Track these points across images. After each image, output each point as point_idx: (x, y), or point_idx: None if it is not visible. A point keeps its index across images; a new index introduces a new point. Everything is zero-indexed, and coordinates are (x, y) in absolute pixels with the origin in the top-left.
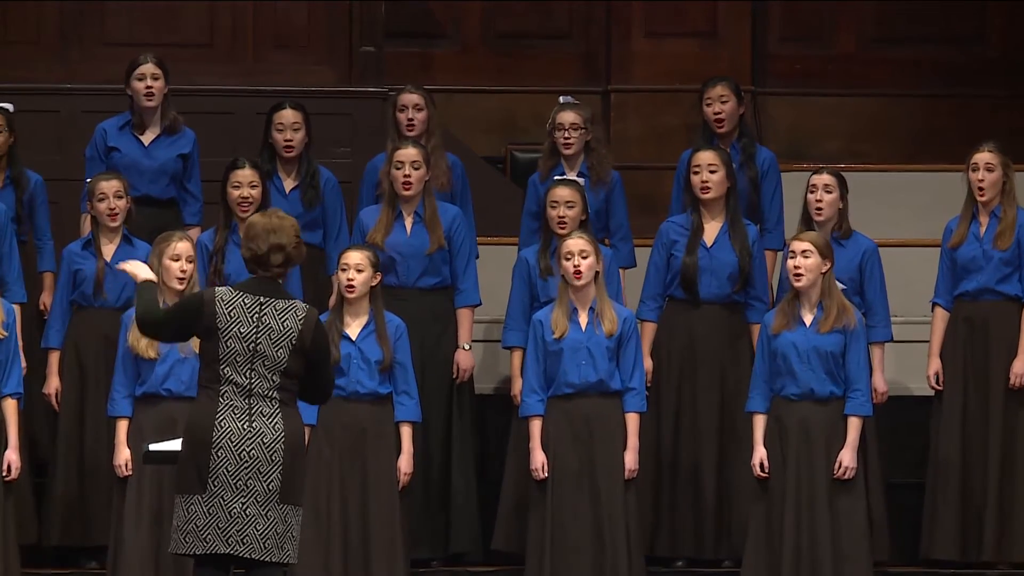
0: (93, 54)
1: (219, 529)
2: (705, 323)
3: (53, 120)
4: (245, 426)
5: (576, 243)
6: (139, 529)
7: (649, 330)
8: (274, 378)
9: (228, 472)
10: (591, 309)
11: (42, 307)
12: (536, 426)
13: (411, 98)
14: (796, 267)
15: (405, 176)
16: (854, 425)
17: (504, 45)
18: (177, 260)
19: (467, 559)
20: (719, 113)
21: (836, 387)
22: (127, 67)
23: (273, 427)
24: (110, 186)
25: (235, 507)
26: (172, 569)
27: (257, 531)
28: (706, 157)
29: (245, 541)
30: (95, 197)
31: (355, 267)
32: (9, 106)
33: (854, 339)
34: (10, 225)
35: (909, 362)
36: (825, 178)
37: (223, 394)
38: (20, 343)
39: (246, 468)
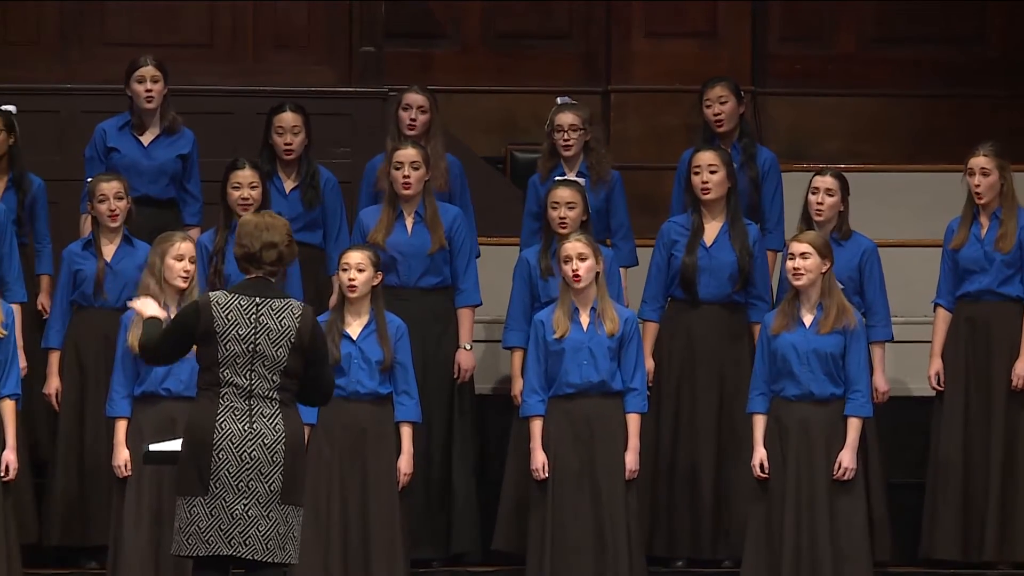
0: (93, 54)
1: (221, 531)
2: (704, 323)
3: (53, 120)
4: (246, 427)
5: (574, 247)
6: (139, 529)
7: (651, 330)
8: (274, 378)
9: (230, 474)
10: (592, 309)
11: (41, 309)
12: (537, 426)
13: (416, 99)
14: (795, 268)
15: (404, 176)
16: (854, 426)
17: (504, 45)
18: (181, 260)
19: (467, 559)
20: (719, 114)
21: (836, 388)
22: (127, 68)
23: (274, 428)
24: (110, 187)
25: (237, 508)
26: (172, 569)
27: (260, 532)
28: (706, 158)
29: (248, 542)
30: (95, 198)
31: (356, 267)
32: (12, 108)
33: (854, 340)
34: (10, 225)
35: (909, 362)
36: (828, 181)
37: (223, 396)
38: (20, 343)
39: (247, 469)
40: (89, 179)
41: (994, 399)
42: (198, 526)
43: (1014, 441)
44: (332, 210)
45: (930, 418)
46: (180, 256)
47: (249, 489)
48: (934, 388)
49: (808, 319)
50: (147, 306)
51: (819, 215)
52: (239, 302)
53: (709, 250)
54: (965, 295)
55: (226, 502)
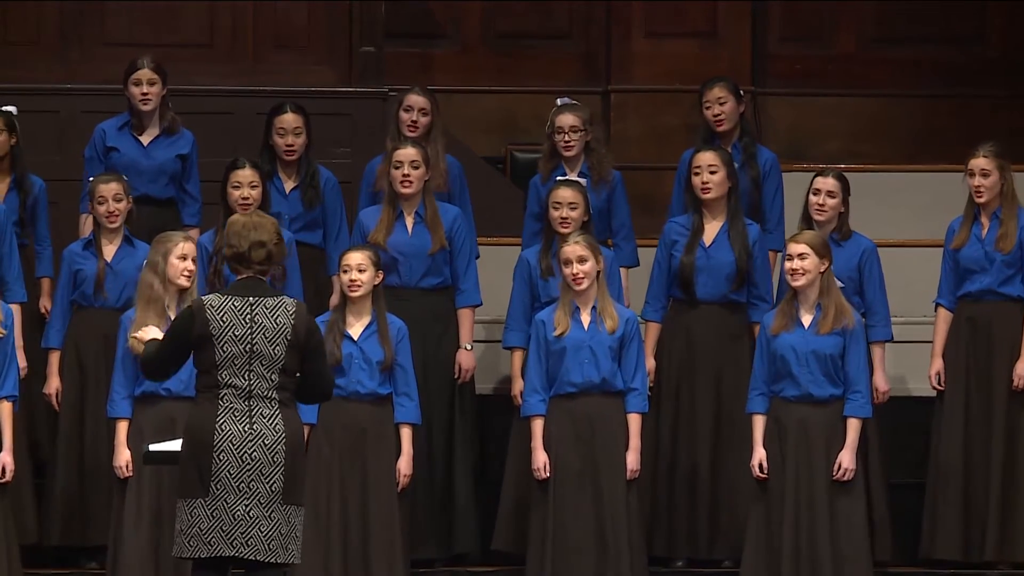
0: (93, 54)
1: (223, 532)
2: (703, 323)
3: (53, 120)
4: (246, 428)
5: (573, 250)
6: (139, 530)
7: (653, 330)
8: (273, 377)
9: (230, 475)
10: (593, 308)
11: (43, 311)
12: (538, 426)
13: (418, 100)
14: (793, 268)
15: (404, 175)
16: (853, 426)
17: (504, 45)
18: (184, 259)
19: (467, 559)
20: (718, 115)
21: (835, 389)
22: (125, 69)
23: (274, 428)
24: (108, 189)
25: (238, 509)
26: (171, 570)
27: (261, 533)
28: (706, 158)
29: (250, 543)
30: (95, 199)
31: (357, 267)
32: (13, 109)
33: (853, 340)
34: (10, 225)
35: (910, 362)
36: (829, 183)
37: (223, 397)
38: (20, 344)
39: (248, 470)
40: (91, 179)
41: (995, 399)
42: (199, 527)
43: (1015, 441)
44: (332, 210)
45: (930, 418)
46: (183, 256)
47: (250, 490)
48: (935, 388)
49: (807, 319)
50: (148, 333)
51: (820, 216)
52: (233, 303)
53: (707, 250)
54: (966, 295)
55: (227, 503)
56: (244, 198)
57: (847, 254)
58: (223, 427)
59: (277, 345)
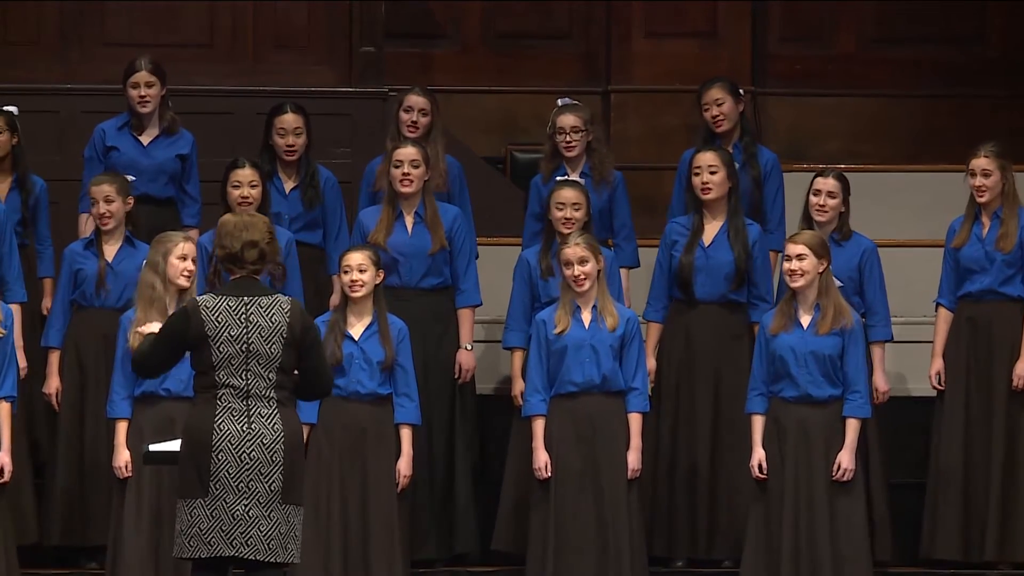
0: (93, 54)
1: (223, 532)
2: (702, 323)
3: (53, 120)
4: (244, 428)
5: (574, 251)
6: (138, 530)
7: (654, 331)
8: (270, 376)
9: (229, 474)
10: (594, 308)
11: (44, 311)
12: (539, 425)
13: (418, 101)
14: (792, 269)
15: (404, 174)
16: (852, 427)
17: (504, 45)
18: (184, 259)
19: (467, 559)
20: (716, 116)
21: (834, 389)
22: (124, 71)
23: (272, 428)
24: (99, 191)
25: (238, 509)
26: (171, 571)
27: (261, 532)
28: (707, 158)
29: (249, 543)
30: (92, 201)
31: (357, 268)
32: (14, 109)
33: (852, 340)
34: (10, 225)
35: (909, 362)
36: (829, 183)
37: (221, 397)
38: (20, 344)
39: (247, 470)
40: (89, 179)
41: (995, 399)
42: (199, 528)
43: (1015, 441)
44: (332, 209)
45: (930, 418)
46: (183, 256)
47: (249, 489)
48: (935, 388)
49: (806, 320)
50: (150, 328)
51: (821, 216)
52: (227, 303)
53: (706, 250)
54: (967, 295)
55: (227, 503)
56: (244, 197)
57: (848, 254)
58: (221, 427)
59: (273, 344)
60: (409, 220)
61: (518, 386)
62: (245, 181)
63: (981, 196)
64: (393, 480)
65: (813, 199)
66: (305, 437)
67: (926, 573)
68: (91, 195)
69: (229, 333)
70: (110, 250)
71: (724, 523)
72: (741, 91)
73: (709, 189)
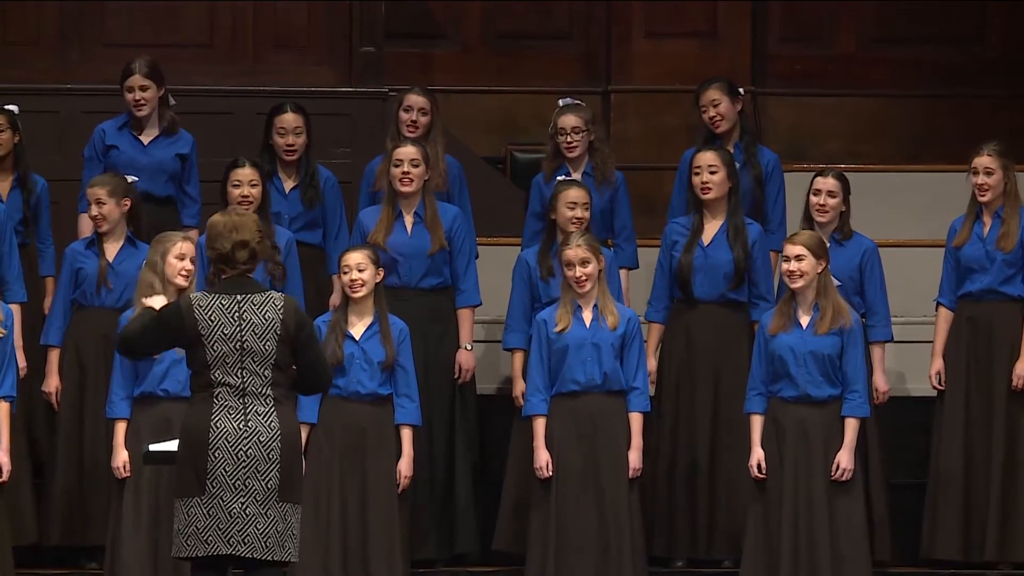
0: (93, 54)
1: (220, 530)
2: (701, 323)
3: (53, 120)
4: (241, 425)
5: (576, 253)
6: (137, 530)
7: (655, 331)
8: (266, 373)
9: (226, 472)
10: (595, 307)
11: (47, 312)
12: (540, 425)
13: (418, 100)
14: (791, 270)
15: (404, 173)
16: (851, 426)
17: (504, 45)
18: (182, 259)
19: (468, 560)
20: (714, 117)
21: (833, 389)
22: (121, 73)
23: (269, 426)
24: (92, 193)
25: (235, 507)
26: (170, 571)
27: (258, 530)
28: (707, 158)
29: (246, 541)
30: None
31: (356, 267)
32: (14, 108)
33: (851, 340)
34: (10, 225)
35: (910, 362)
36: (829, 183)
37: (217, 396)
38: (20, 344)
39: (244, 468)
40: (89, 179)
41: (995, 399)
42: (196, 526)
43: (1015, 441)
44: (332, 209)
45: (930, 418)
46: (181, 255)
47: (246, 487)
48: (935, 388)
49: (805, 320)
50: (156, 301)
51: (821, 216)
52: (220, 301)
53: (706, 249)
54: (967, 295)
55: (223, 501)
56: (244, 196)
57: (848, 254)
58: (218, 425)
59: (267, 341)
60: (409, 220)
61: (518, 387)
62: (245, 180)
63: (983, 195)
64: (393, 480)
65: (813, 199)
66: (305, 437)
67: (926, 573)
68: (86, 197)
69: (223, 331)
70: (111, 250)
71: (724, 523)
72: (740, 91)
73: (709, 189)
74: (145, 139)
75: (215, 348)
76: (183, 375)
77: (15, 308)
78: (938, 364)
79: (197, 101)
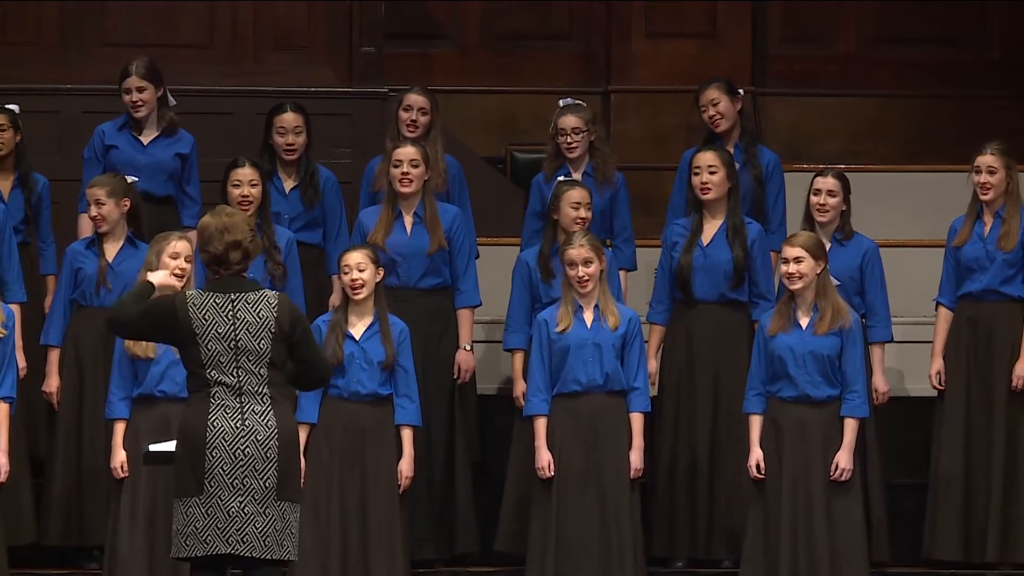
0: (93, 54)
1: (219, 529)
2: (701, 323)
3: (53, 120)
4: (238, 424)
5: (579, 252)
6: (134, 530)
7: (656, 333)
8: (261, 371)
9: (224, 472)
10: (595, 307)
11: (47, 311)
12: (541, 425)
13: (418, 100)
14: (790, 273)
15: (403, 173)
16: (850, 426)
17: (504, 45)
18: (176, 258)
19: (467, 560)
20: (714, 116)
21: (833, 390)
22: (120, 73)
23: (266, 424)
24: (91, 194)
25: (233, 506)
26: (168, 571)
27: (256, 529)
28: (706, 158)
29: (245, 540)
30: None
31: (356, 267)
32: (15, 107)
33: (850, 340)
34: (9, 225)
35: (910, 362)
36: (829, 183)
37: (214, 395)
38: (20, 344)
39: (242, 467)
40: (88, 180)
41: (995, 399)
42: (195, 526)
43: (1015, 442)
44: (332, 209)
45: (930, 418)
46: (175, 254)
47: (244, 486)
48: (935, 387)
49: (804, 321)
50: (155, 276)
51: (822, 216)
52: (214, 300)
53: (705, 249)
54: (967, 295)
55: (222, 500)
56: (244, 196)
57: (849, 254)
58: (215, 424)
59: (261, 339)
60: (408, 220)
61: (519, 387)
62: (245, 180)
63: (985, 193)
64: (393, 481)
65: (813, 199)
66: (305, 437)
67: (926, 573)
68: (86, 198)
69: (216, 330)
70: (111, 250)
71: (724, 523)
72: (740, 91)
73: (708, 189)
74: (145, 139)
75: (209, 347)
76: (180, 376)
77: (15, 308)
78: (938, 364)
79: (197, 101)
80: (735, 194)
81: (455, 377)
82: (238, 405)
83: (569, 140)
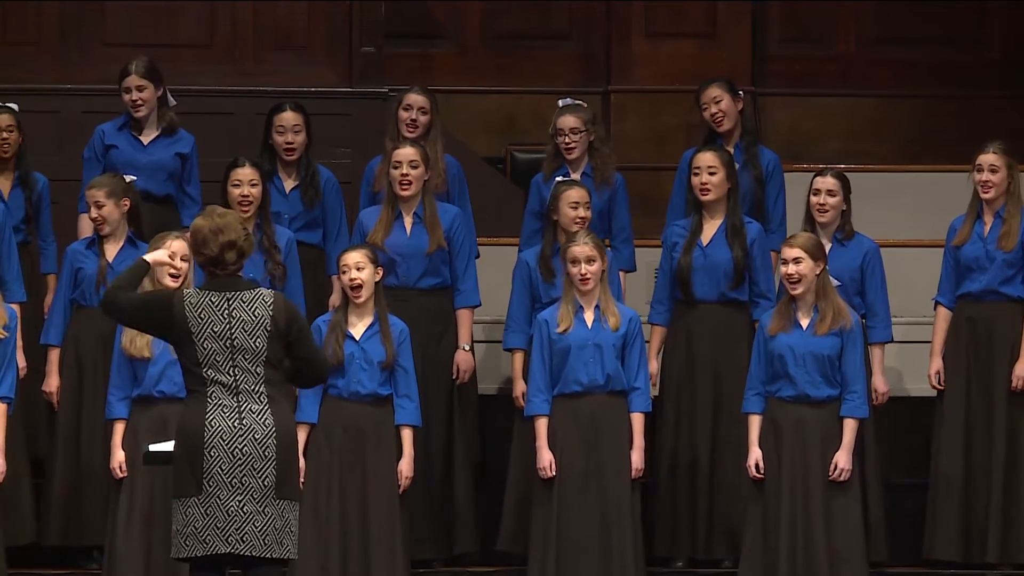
0: (93, 54)
1: (218, 529)
2: (701, 323)
3: (53, 120)
4: (235, 424)
5: (582, 250)
6: (133, 530)
7: (657, 333)
8: (258, 370)
9: (222, 471)
10: (596, 307)
11: (47, 310)
12: (542, 425)
13: (418, 99)
14: (789, 274)
15: (403, 175)
16: (849, 427)
17: (504, 45)
18: (172, 258)
19: (467, 560)
20: (716, 114)
21: (832, 390)
22: (119, 73)
23: (263, 423)
24: (91, 196)
25: (232, 505)
26: (167, 571)
27: (256, 528)
28: (706, 159)
29: (244, 539)
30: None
31: (355, 267)
32: (14, 106)
33: (850, 341)
34: (9, 225)
35: (909, 362)
36: (829, 182)
37: (211, 395)
38: (20, 344)
39: (240, 466)
40: (88, 180)
41: (995, 399)
42: (194, 526)
43: (1015, 442)
44: (332, 209)
45: (930, 418)
46: (171, 254)
47: (243, 485)
48: (934, 387)
49: (805, 321)
50: (156, 255)
51: (822, 216)
52: (210, 299)
53: (705, 249)
54: (966, 295)
55: (220, 499)
56: (244, 196)
57: (850, 254)
58: (212, 423)
59: (257, 338)
60: (408, 220)
61: (519, 387)
62: (245, 180)
63: (987, 192)
64: (393, 481)
65: (813, 199)
66: (305, 437)
67: (926, 573)
68: (86, 199)
69: (212, 329)
70: (111, 250)
71: (724, 523)
72: (740, 91)
73: (708, 190)
74: (145, 139)
75: (205, 346)
76: (178, 376)
77: (16, 309)
78: (937, 364)
79: (197, 101)
80: (735, 194)
81: (454, 377)
82: (235, 404)
83: (568, 140)
